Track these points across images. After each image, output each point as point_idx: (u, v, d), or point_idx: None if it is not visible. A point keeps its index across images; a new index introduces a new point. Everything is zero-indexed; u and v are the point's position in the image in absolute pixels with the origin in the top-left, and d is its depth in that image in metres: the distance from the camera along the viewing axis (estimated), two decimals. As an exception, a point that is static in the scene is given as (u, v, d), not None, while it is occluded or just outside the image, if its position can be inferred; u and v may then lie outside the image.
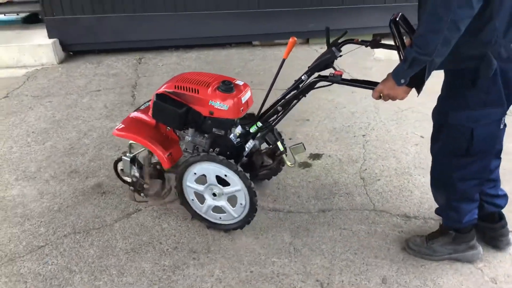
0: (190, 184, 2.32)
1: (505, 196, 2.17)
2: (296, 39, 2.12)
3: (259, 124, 2.24)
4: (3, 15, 5.96)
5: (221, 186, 2.26)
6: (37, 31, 5.30)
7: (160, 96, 2.28)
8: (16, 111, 3.88)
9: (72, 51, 5.17)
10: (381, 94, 1.82)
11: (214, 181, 2.25)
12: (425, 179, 2.74)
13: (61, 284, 2.12)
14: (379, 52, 4.85)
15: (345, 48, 2.13)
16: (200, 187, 2.31)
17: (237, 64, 4.75)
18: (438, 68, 1.72)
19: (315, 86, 2.07)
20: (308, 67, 2.11)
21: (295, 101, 2.17)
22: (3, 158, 3.16)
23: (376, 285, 2.05)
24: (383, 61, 4.68)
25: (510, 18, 1.61)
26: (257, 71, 4.47)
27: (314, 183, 2.75)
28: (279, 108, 2.19)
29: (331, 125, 3.38)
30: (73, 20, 4.90)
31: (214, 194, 2.31)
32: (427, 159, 2.90)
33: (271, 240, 2.33)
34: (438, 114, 1.93)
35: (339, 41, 2.09)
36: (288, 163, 2.31)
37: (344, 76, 2.01)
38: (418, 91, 1.74)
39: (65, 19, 4.90)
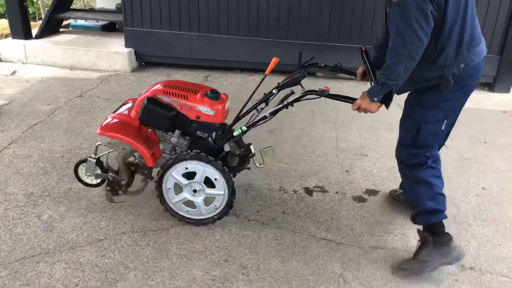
0: (175, 175, 2.49)
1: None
2: (278, 59, 2.40)
3: (244, 128, 2.49)
4: (84, 20, 6.38)
5: (205, 186, 2.50)
6: (115, 39, 5.65)
7: (151, 100, 2.46)
8: (88, 111, 4.13)
9: (144, 61, 5.45)
10: (359, 107, 2.21)
11: (202, 180, 2.48)
12: (484, 230, 2.67)
13: (116, 278, 2.22)
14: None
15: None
16: (184, 181, 2.50)
17: (300, 91, 4.82)
18: (411, 89, 2.24)
19: (303, 99, 2.37)
20: (278, 83, 2.43)
21: (268, 112, 2.45)
22: (72, 152, 3.36)
23: (427, 331, 2.00)
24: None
25: (457, 46, 2.07)
26: (319, 101, 4.51)
27: (369, 219, 2.74)
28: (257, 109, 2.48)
29: (389, 164, 3.35)
30: (150, 33, 5.19)
31: (195, 191, 2.52)
32: (487, 211, 2.84)
33: (321, 269, 2.33)
34: (404, 112, 2.34)
35: (306, 64, 2.45)
36: (257, 164, 2.61)
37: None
38: (387, 106, 2.20)
39: (143, 31, 5.20)
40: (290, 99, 2.40)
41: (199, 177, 2.48)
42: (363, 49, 2.37)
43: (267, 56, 2.72)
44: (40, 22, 6.30)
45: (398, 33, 2.00)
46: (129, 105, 2.72)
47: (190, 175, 2.50)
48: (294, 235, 2.59)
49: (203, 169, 2.45)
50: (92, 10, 7.40)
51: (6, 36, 6.15)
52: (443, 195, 2.35)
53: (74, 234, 2.51)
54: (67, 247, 2.42)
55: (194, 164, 2.45)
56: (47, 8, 6.24)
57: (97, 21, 6.35)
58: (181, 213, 2.59)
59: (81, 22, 6.38)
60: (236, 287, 2.19)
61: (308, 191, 3.02)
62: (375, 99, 2.13)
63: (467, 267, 2.38)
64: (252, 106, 2.51)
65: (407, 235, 2.60)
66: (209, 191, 2.51)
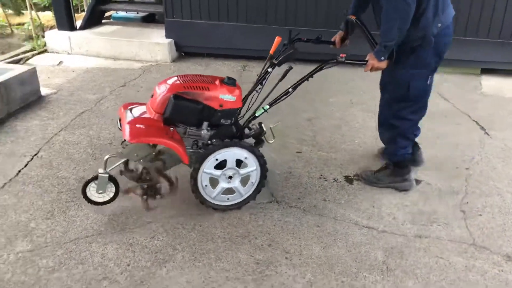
0: (208, 170, 2.54)
1: (419, 128, 2.91)
2: (281, 38, 2.59)
3: (267, 106, 2.63)
4: (125, 12, 6.54)
5: (238, 169, 2.57)
6: (155, 30, 5.77)
7: (177, 97, 2.42)
8: (132, 100, 4.20)
9: (184, 52, 5.55)
10: (372, 67, 2.54)
11: (234, 164, 2.56)
12: (532, 222, 2.62)
13: (165, 258, 2.31)
14: (487, 87, 4.68)
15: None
16: (217, 172, 2.56)
17: (337, 81, 4.81)
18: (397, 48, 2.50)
19: (325, 68, 2.60)
20: (271, 62, 2.58)
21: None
22: (119, 140, 3.47)
23: (472, 319, 2.00)
24: (491, 96, 4.50)
25: (434, 9, 2.44)
26: (358, 91, 4.51)
27: (411, 208, 2.73)
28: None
29: (432, 153, 3.31)
30: (190, 24, 5.28)
31: (230, 177, 2.59)
32: (535, 202, 2.78)
33: (364, 256, 2.36)
34: (387, 75, 2.71)
35: (294, 40, 2.66)
36: (269, 141, 2.71)
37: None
38: (391, 60, 2.52)
39: (183, 22, 5.29)
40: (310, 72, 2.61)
41: (231, 163, 2.55)
42: (354, 17, 2.69)
43: (306, 45, 2.80)
44: (82, 13, 6.52)
45: (388, 1, 2.36)
46: (138, 109, 2.60)
47: (221, 164, 2.55)
48: (336, 222, 2.62)
49: (232, 153, 2.52)
50: (132, 1, 7.54)
51: (51, 27, 6.38)
52: (413, 141, 2.89)
53: (124, 217, 2.62)
54: (118, 229, 2.53)
55: (222, 152, 2.50)
56: (89, 0, 6.42)
57: (137, 13, 6.50)
58: (223, 204, 2.66)
59: (122, 13, 6.54)
60: (280, 271, 2.25)
61: (349, 180, 3.04)
62: (382, 58, 2.49)
63: (513, 258, 2.36)
64: (252, 88, 2.66)
65: (450, 225, 2.59)
66: (243, 171, 2.59)
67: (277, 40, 2.59)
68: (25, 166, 3.13)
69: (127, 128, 2.40)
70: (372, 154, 3.35)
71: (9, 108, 3.87)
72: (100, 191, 2.54)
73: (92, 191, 2.55)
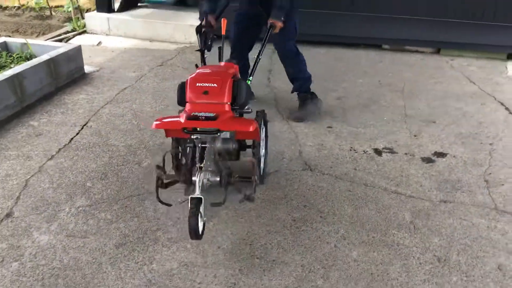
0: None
1: None
2: (226, 20, 3.07)
3: (251, 78, 3.03)
4: (158, -4, 6.77)
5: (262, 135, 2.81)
6: (189, 13, 5.99)
7: (240, 80, 2.47)
8: (169, 78, 4.51)
9: (215, 35, 5.74)
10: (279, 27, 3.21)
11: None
12: (552, 192, 2.78)
13: (211, 214, 2.56)
14: (513, 71, 4.80)
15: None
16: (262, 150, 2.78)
17: (365, 64, 4.98)
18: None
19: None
20: (201, 49, 3.01)
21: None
22: (162, 113, 3.74)
23: (492, 270, 2.19)
24: (517, 80, 4.61)
25: None
26: (386, 73, 4.66)
27: (437, 177, 2.92)
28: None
29: (457, 130, 3.49)
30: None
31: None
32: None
33: (392, 216, 2.57)
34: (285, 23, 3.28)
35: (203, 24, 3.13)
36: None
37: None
38: (284, 20, 3.23)
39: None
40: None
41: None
42: None
43: (331, 29, 3.07)
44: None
45: None
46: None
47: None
48: (366, 188, 2.82)
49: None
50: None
51: (87, 10, 6.67)
52: None
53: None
54: (167, 189, 2.77)
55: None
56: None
57: (170, -4, 6.72)
58: (265, 170, 2.89)
59: (156, -3, 6.78)
60: (315, 227, 2.47)
61: (378, 152, 3.23)
62: (282, 18, 3.20)
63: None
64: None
65: (474, 192, 2.77)
66: (262, 135, 2.79)
67: (224, 21, 3.01)
68: (77, 134, 3.42)
69: (237, 123, 2.35)
70: (402, 129, 3.53)
71: (57, 83, 4.17)
72: (205, 218, 2.28)
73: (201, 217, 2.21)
